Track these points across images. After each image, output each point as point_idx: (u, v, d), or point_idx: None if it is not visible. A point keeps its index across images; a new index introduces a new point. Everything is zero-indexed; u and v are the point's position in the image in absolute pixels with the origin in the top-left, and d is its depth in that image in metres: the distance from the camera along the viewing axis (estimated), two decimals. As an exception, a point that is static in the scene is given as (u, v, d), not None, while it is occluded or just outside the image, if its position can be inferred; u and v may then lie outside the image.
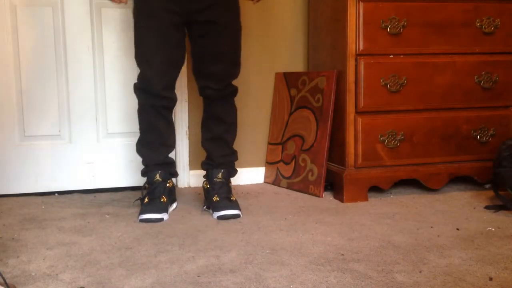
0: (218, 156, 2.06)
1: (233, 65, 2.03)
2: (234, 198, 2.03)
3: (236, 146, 2.55)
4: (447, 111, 2.28)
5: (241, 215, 1.96)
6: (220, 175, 2.04)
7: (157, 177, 2.01)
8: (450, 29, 2.24)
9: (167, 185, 2.03)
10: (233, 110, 2.09)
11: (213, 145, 2.07)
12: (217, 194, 2.00)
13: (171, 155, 2.10)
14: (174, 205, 2.10)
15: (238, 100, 2.53)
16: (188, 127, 2.48)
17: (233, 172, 2.12)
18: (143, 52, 1.94)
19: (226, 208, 1.95)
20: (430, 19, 2.21)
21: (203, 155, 2.58)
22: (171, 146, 2.09)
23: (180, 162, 2.48)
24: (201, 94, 2.06)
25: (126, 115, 2.41)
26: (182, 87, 2.44)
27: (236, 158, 2.12)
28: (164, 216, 1.94)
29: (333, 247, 1.62)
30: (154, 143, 2.03)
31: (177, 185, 2.50)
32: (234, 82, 2.06)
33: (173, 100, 2.01)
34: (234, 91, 2.06)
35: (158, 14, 1.89)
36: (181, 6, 1.89)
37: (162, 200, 1.98)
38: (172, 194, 2.07)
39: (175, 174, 2.12)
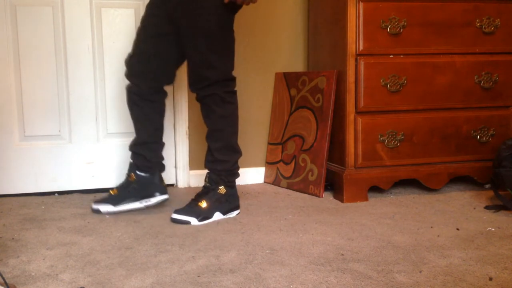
0: (205, 160, 2.03)
1: (201, 69, 1.90)
2: (202, 204, 1.93)
3: (236, 146, 2.55)
4: (447, 111, 2.28)
5: (191, 223, 1.88)
6: (207, 179, 2.01)
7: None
8: (450, 29, 2.24)
9: (129, 178, 2.07)
10: (214, 117, 1.95)
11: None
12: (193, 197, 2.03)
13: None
14: (133, 204, 2.05)
15: (238, 100, 2.53)
16: (188, 127, 2.48)
17: (218, 179, 1.97)
18: None
19: (179, 212, 1.92)
20: (430, 19, 2.21)
21: (203, 155, 2.59)
22: (137, 137, 2.08)
23: (180, 162, 2.48)
24: None
25: (126, 115, 2.41)
26: (182, 87, 2.44)
27: (224, 168, 1.98)
28: (101, 207, 2.02)
29: (333, 247, 1.62)
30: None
31: (177, 185, 2.51)
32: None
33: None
34: (212, 95, 1.92)
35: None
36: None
37: (111, 191, 2.08)
38: (131, 189, 2.05)
39: (138, 168, 2.06)
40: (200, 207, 1.93)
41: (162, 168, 2.11)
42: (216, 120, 1.95)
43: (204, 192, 1.98)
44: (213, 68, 1.89)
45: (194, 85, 1.94)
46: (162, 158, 2.12)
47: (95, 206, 2.03)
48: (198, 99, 1.97)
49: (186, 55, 1.94)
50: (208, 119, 1.97)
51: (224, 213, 1.96)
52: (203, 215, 1.91)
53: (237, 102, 2.00)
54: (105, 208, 2.02)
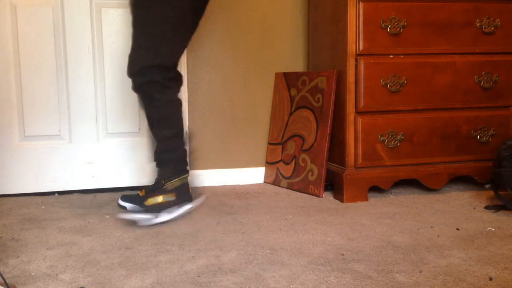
0: (155, 153, 1.97)
1: (137, 52, 1.86)
2: (152, 200, 1.89)
3: (236, 146, 2.56)
4: (447, 111, 2.28)
5: (141, 221, 1.85)
6: (158, 172, 1.96)
7: None
8: (450, 29, 2.24)
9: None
10: (159, 105, 1.89)
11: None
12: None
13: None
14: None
15: (238, 100, 2.54)
16: (188, 127, 2.48)
17: (169, 171, 1.93)
18: None
19: (127, 204, 1.92)
20: (430, 19, 2.21)
21: (203, 155, 2.59)
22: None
23: (180, 162, 2.48)
24: None
25: (126, 115, 2.41)
26: (183, 87, 2.44)
27: (176, 157, 1.94)
28: (127, 205, 1.98)
29: (333, 247, 1.62)
30: None
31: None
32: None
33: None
34: (151, 83, 1.86)
35: None
36: None
37: (139, 192, 2.04)
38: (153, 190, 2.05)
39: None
40: (148, 204, 1.89)
41: (188, 173, 2.11)
42: (161, 108, 1.90)
43: (154, 188, 1.93)
44: (155, 53, 1.84)
45: (131, 67, 1.88)
46: (187, 164, 2.12)
47: (122, 203, 2.03)
48: (136, 87, 1.90)
49: (132, 39, 1.89)
50: (151, 108, 1.90)
51: (175, 208, 1.91)
52: (153, 211, 1.86)
53: (178, 88, 1.95)
54: (131, 206, 2.02)
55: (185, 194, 1.95)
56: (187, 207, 1.96)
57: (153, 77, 1.85)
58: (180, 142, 1.94)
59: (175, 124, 1.93)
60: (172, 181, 1.92)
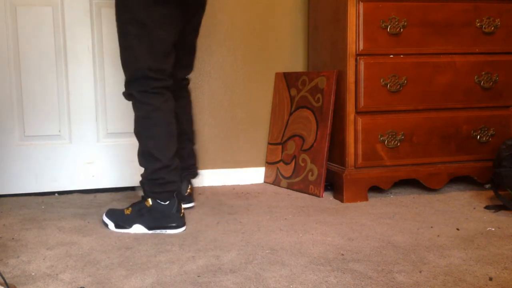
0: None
1: (123, 66, 1.81)
2: (127, 211, 1.82)
3: (236, 146, 2.56)
4: (447, 111, 2.28)
5: (108, 226, 1.81)
6: None
7: None
8: (450, 29, 2.24)
9: None
10: (134, 119, 1.82)
11: None
12: None
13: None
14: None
15: (238, 100, 2.54)
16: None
17: (144, 188, 1.84)
18: None
19: (107, 213, 1.86)
20: (430, 19, 2.21)
21: (203, 155, 2.59)
22: None
23: (180, 162, 2.48)
24: None
25: (126, 115, 2.41)
26: (182, 87, 2.44)
27: (144, 176, 1.82)
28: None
29: (333, 247, 1.62)
30: None
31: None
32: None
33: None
34: (129, 96, 1.81)
35: None
36: None
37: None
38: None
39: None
40: (123, 213, 1.83)
41: (194, 174, 2.12)
42: (134, 122, 1.81)
43: (139, 200, 1.86)
44: (125, 66, 1.78)
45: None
46: (193, 163, 2.11)
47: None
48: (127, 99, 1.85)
49: None
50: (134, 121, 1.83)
51: (149, 228, 1.79)
52: (121, 223, 1.81)
53: (156, 104, 1.76)
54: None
55: (158, 219, 1.79)
56: (169, 231, 1.80)
57: (130, 90, 1.79)
58: (146, 161, 1.80)
59: (142, 143, 1.80)
60: (145, 201, 1.82)
